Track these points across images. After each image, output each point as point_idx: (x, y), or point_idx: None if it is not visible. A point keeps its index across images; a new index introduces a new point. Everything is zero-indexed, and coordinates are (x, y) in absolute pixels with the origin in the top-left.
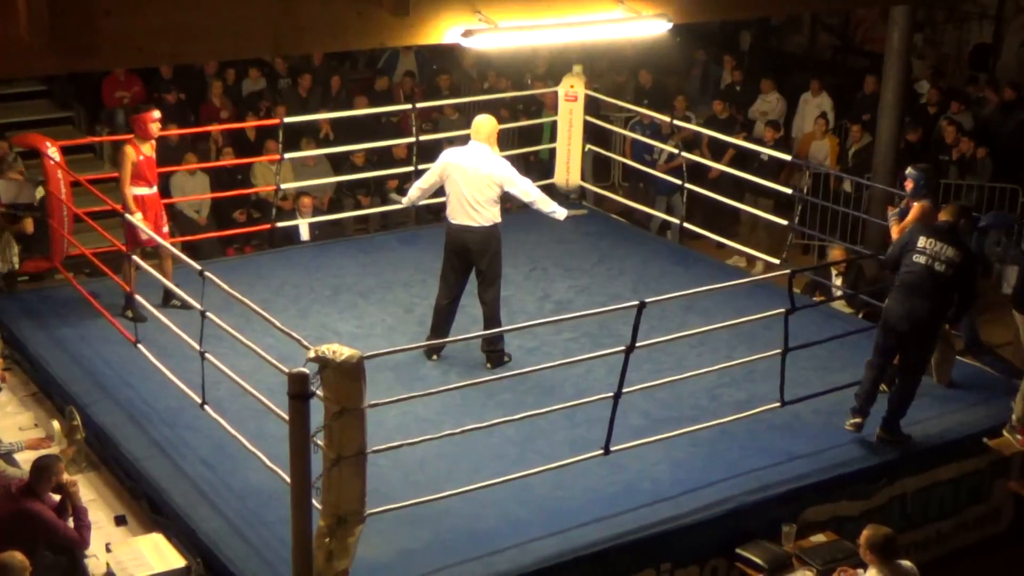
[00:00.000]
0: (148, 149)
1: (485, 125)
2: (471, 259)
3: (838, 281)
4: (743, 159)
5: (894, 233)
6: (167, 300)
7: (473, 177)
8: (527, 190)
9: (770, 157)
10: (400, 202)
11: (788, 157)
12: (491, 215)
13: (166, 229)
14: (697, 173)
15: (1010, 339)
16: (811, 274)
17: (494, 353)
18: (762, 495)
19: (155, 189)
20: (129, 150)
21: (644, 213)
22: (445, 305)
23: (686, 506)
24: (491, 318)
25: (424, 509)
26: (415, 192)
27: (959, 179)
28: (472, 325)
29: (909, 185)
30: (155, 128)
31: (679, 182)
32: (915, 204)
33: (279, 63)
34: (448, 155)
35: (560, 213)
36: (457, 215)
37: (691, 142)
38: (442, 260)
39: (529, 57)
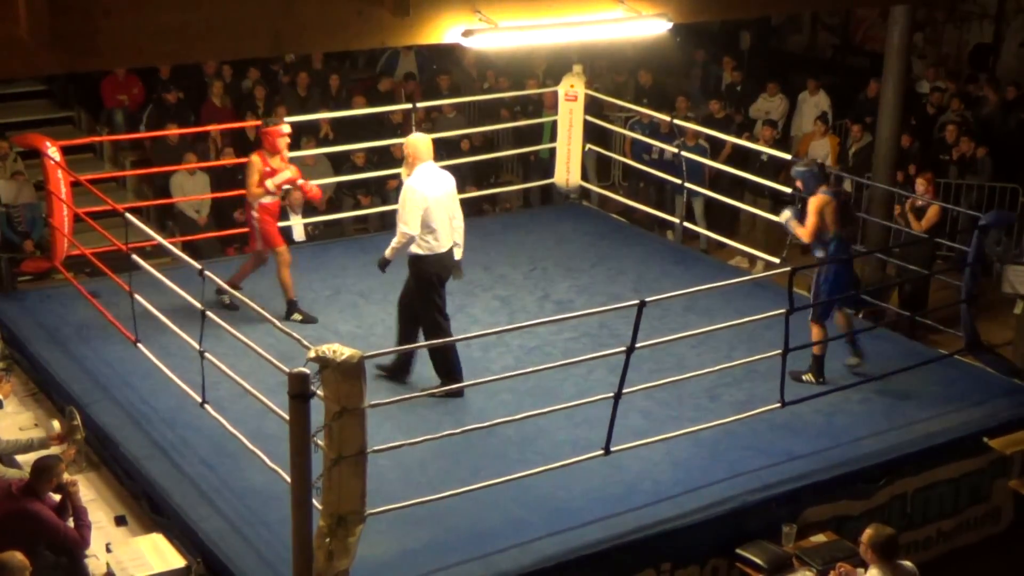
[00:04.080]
0: (276, 162)
1: (427, 143)
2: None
3: None
4: (744, 159)
5: (800, 235)
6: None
7: (450, 197)
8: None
9: (770, 157)
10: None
11: (787, 156)
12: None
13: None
14: (712, 176)
15: (1010, 339)
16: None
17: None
18: (762, 495)
19: (276, 199)
20: (256, 160)
21: (644, 213)
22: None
23: (686, 506)
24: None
25: (424, 509)
26: (409, 243)
27: (959, 179)
28: (472, 325)
29: (799, 185)
30: (282, 143)
31: (697, 187)
32: (811, 199)
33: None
34: (422, 189)
35: (387, 250)
36: (446, 241)
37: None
38: (433, 294)
39: (529, 57)
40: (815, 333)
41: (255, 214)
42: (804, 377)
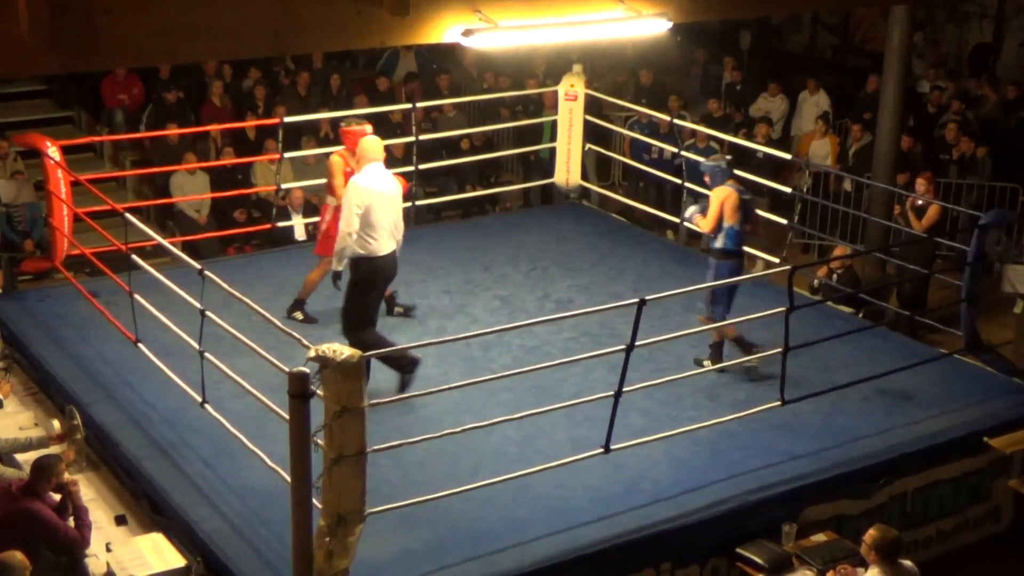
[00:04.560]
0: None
1: (378, 144)
2: (388, 283)
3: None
4: (741, 157)
5: (701, 227)
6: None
7: (395, 201)
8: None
9: (765, 155)
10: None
11: (787, 156)
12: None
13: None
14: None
15: (1010, 338)
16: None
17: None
18: (762, 495)
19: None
20: (337, 159)
21: (644, 213)
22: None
23: (686, 506)
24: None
25: (424, 509)
26: (352, 243)
27: (959, 178)
28: (472, 324)
29: (707, 179)
30: None
31: (701, 188)
32: (714, 191)
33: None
34: (364, 186)
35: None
36: (387, 244)
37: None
38: (368, 298)
39: (529, 57)
40: (704, 322)
41: (327, 216)
42: (705, 362)
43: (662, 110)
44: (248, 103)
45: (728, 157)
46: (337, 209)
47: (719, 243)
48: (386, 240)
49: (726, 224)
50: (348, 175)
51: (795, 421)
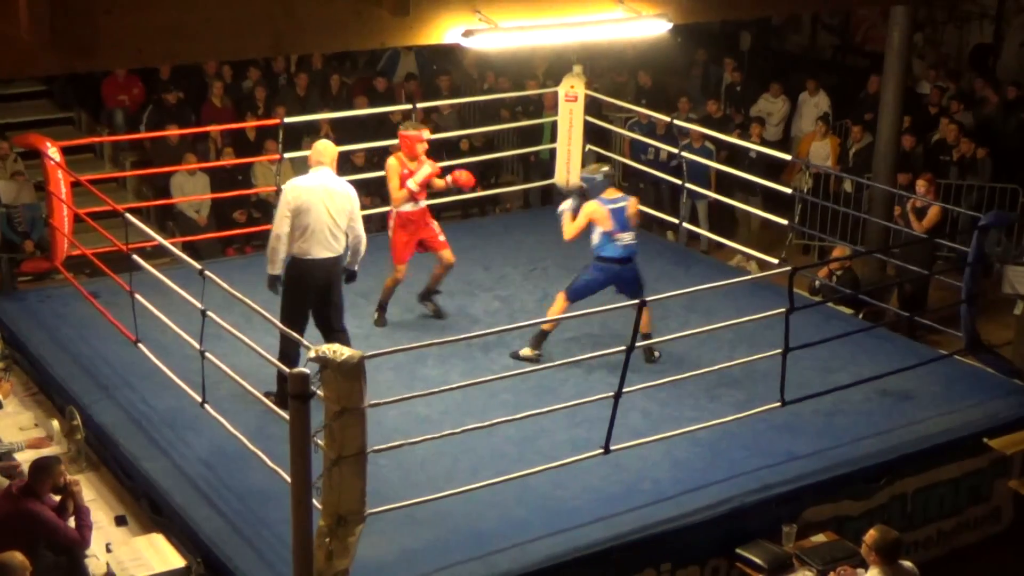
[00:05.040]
0: (415, 165)
1: (329, 148)
2: (326, 292)
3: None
4: (736, 157)
5: (565, 230)
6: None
7: (337, 207)
8: (362, 226)
9: (758, 154)
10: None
11: (783, 155)
12: (345, 243)
13: (442, 238)
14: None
15: (1010, 339)
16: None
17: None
18: (762, 495)
19: (421, 205)
20: (393, 162)
21: (644, 213)
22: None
23: (686, 506)
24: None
25: (424, 509)
26: (281, 245)
27: (959, 179)
28: (472, 325)
29: (584, 187)
30: (420, 149)
31: (700, 189)
32: (586, 204)
33: (278, 61)
34: (297, 186)
35: (356, 264)
36: (321, 250)
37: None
38: (294, 301)
39: (529, 57)
40: (559, 306)
41: (391, 223)
42: (522, 353)
43: (662, 111)
44: (248, 104)
45: (605, 168)
46: (399, 216)
47: (596, 249)
48: (317, 245)
49: (602, 230)
50: (404, 178)
51: (795, 421)
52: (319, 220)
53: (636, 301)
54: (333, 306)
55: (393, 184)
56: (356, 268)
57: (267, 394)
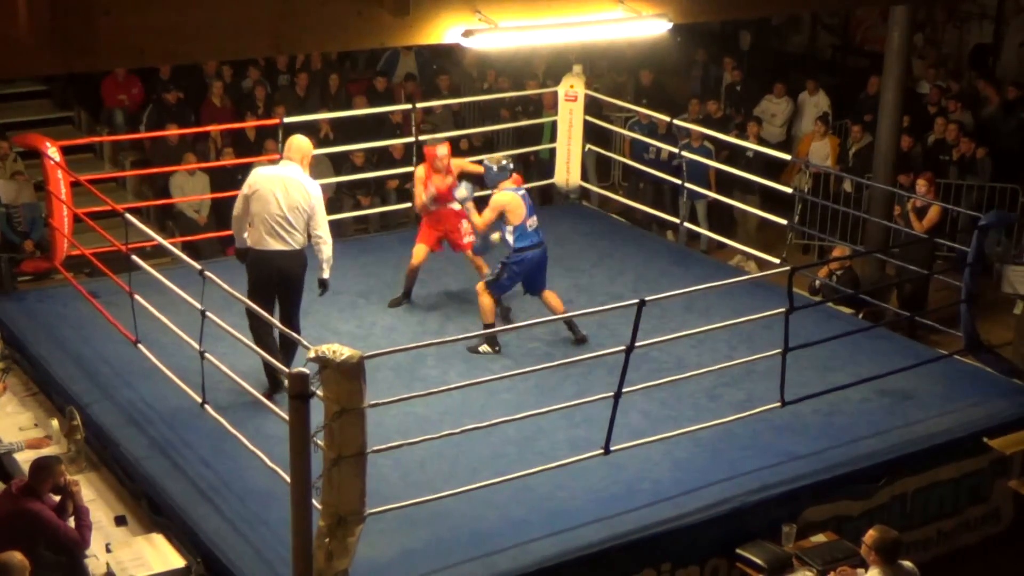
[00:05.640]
0: (437, 180)
1: (300, 144)
2: (281, 285)
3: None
4: (735, 157)
5: (475, 221)
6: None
7: (289, 200)
8: (325, 228)
9: (756, 153)
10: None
11: (781, 155)
12: (303, 239)
13: (467, 240)
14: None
15: (1010, 339)
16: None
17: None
18: (762, 495)
19: (451, 206)
20: (420, 172)
21: (644, 213)
22: (271, 334)
23: (686, 506)
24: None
25: (424, 509)
26: (236, 224)
27: (959, 179)
28: (472, 325)
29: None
30: (440, 165)
31: (700, 189)
32: (494, 195)
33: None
34: (254, 176)
35: (325, 273)
36: (265, 240)
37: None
38: (253, 291)
39: (529, 57)
40: (486, 301)
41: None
42: (481, 348)
43: (663, 110)
44: (248, 103)
45: (503, 160)
46: (425, 217)
47: (514, 243)
48: (267, 236)
49: (513, 224)
50: (427, 187)
51: (795, 421)
52: (267, 210)
53: (636, 301)
54: (288, 296)
55: (417, 190)
56: (326, 276)
57: (265, 394)
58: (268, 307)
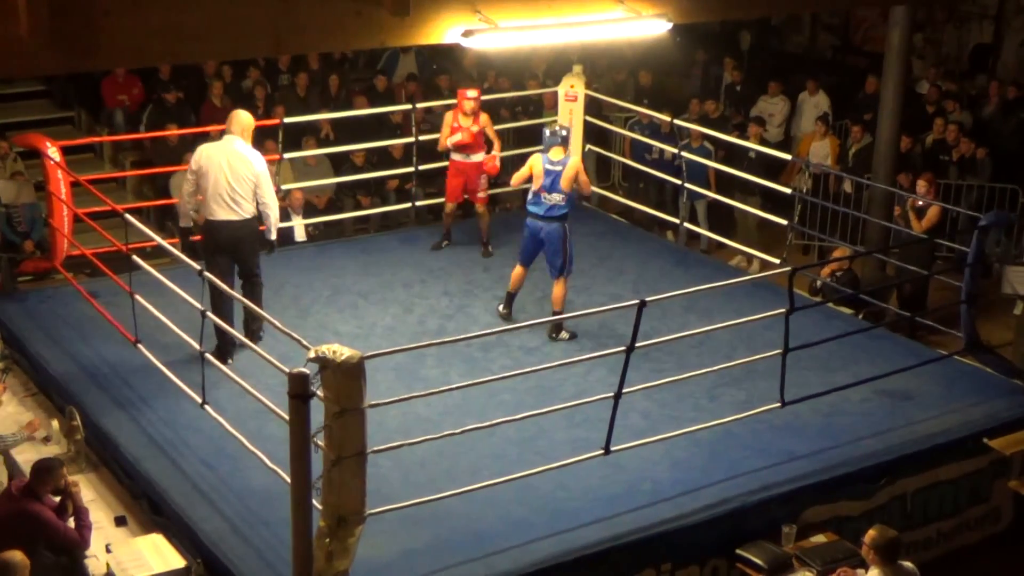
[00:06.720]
0: (466, 121)
1: (241, 118)
2: (234, 250)
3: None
4: (735, 157)
5: (516, 175)
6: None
7: (236, 171)
8: (271, 195)
9: (757, 154)
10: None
11: (780, 154)
12: (252, 208)
13: (481, 195)
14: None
15: (1010, 339)
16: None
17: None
18: (762, 495)
19: (472, 159)
20: (447, 116)
21: (644, 213)
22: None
23: (686, 506)
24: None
25: (424, 509)
26: (190, 201)
27: (959, 179)
28: (472, 325)
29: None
30: (467, 106)
31: (699, 189)
32: (533, 157)
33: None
34: (198, 153)
35: (273, 234)
36: (217, 211)
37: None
38: (210, 261)
39: (529, 57)
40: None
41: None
42: (562, 335)
43: (663, 110)
44: (248, 103)
45: (557, 127)
46: (452, 162)
47: (528, 207)
48: (217, 207)
49: (532, 188)
50: (454, 130)
51: (795, 422)
52: (216, 183)
53: (636, 301)
54: (244, 258)
55: (444, 133)
56: (273, 237)
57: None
58: (226, 273)
